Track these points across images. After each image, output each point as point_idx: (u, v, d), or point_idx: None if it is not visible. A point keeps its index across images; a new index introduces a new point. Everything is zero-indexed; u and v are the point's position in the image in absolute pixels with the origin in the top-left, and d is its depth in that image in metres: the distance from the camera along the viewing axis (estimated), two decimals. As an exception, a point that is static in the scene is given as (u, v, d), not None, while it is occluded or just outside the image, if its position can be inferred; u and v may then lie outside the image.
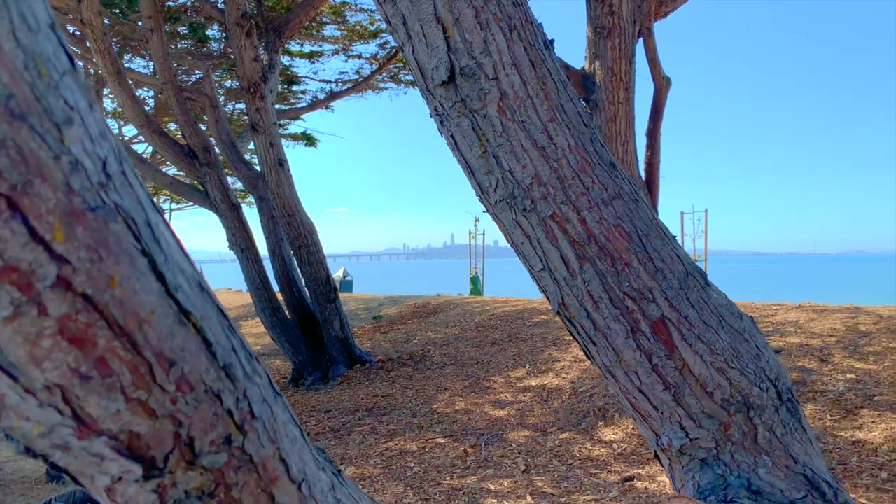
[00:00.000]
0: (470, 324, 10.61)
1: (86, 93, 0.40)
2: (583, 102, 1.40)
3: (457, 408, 6.94)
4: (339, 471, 0.75)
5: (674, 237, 1.39)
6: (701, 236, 14.48)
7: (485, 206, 1.38)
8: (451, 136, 1.32)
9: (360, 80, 13.10)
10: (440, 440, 6.07)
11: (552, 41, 1.33)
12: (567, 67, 5.20)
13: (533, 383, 7.26)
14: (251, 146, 9.65)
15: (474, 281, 19.63)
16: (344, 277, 26.75)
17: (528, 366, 7.86)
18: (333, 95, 13.01)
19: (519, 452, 5.52)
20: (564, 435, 5.77)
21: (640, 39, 5.17)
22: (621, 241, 1.27)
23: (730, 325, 1.38)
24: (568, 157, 1.25)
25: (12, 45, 0.32)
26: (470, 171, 1.34)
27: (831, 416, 5.10)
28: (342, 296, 16.96)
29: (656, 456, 1.53)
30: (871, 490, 4.09)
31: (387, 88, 14.07)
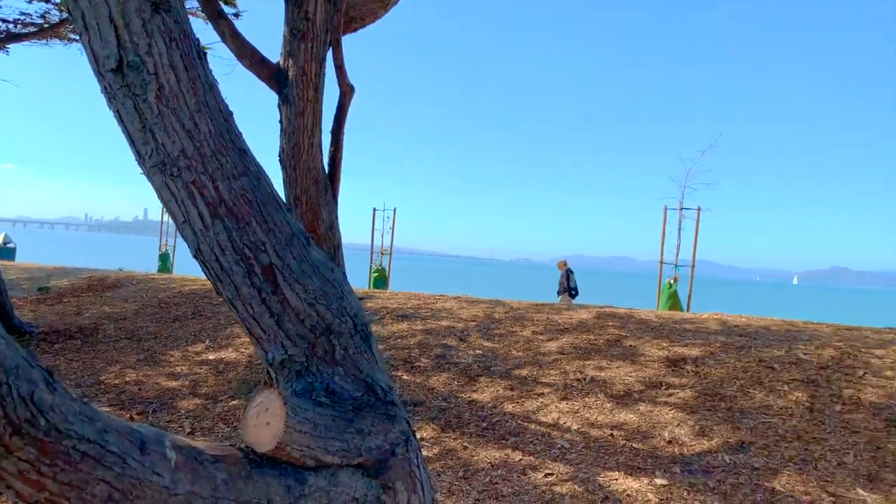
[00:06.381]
0: (153, 300, 10.29)
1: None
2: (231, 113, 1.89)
3: (127, 379, 6.84)
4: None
5: (289, 209, 1.94)
6: (388, 232, 15.78)
7: (142, 169, 1.78)
8: (117, 111, 1.70)
9: (46, 25, 11.78)
10: (105, 409, 5.99)
11: (205, 53, 1.79)
12: (263, 60, 5.59)
13: (211, 357, 7.45)
14: None
15: (163, 258, 18.72)
16: (5, 244, 23.42)
17: (208, 341, 8.00)
18: (10, 37, 11.52)
19: (186, 417, 5.74)
20: (234, 402, 6.13)
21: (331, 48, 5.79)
22: (245, 207, 1.77)
23: (322, 274, 1.96)
24: (208, 141, 1.71)
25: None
26: (131, 140, 1.73)
27: (458, 382, 6.26)
28: (1, 263, 14.94)
29: (268, 372, 2.07)
30: (473, 436, 5.22)
31: (77, 40, 12.84)
